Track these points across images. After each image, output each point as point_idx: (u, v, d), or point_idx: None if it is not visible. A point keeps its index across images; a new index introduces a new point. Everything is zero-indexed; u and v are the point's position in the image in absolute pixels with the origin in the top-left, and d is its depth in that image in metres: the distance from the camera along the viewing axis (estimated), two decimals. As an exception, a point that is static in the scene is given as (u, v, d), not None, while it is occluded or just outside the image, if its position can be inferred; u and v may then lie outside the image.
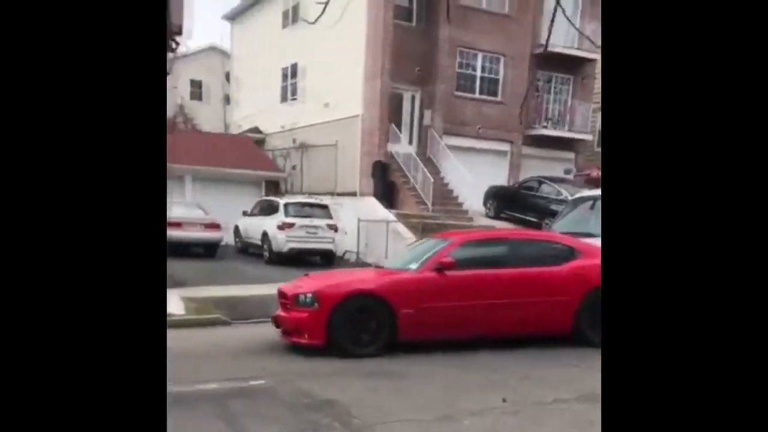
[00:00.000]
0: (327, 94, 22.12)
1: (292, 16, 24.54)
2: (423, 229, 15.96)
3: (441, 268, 7.51)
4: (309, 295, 7.24)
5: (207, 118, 34.20)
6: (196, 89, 38.45)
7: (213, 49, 38.94)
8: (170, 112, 33.35)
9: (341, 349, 7.02)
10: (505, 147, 22.95)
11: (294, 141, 24.06)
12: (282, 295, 7.76)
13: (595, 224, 11.33)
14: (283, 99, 25.57)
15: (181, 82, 37.81)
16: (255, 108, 27.03)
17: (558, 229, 12.12)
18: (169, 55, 11.95)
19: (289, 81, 25.39)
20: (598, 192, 12.39)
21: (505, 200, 20.40)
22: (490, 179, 21.52)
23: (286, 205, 15.79)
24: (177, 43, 10.44)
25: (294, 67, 24.81)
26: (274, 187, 21.11)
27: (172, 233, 14.84)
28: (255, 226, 16.00)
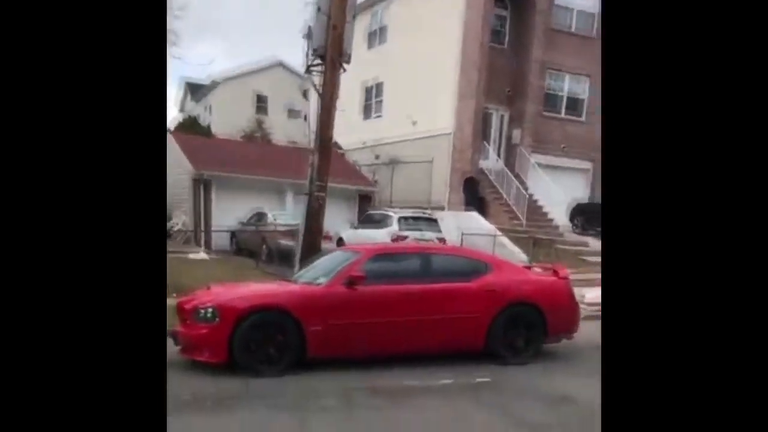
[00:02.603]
0: (414, 112, 22.77)
1: (379, 37, 25.33)
2: (534, 244, 16.46)
3: (351, 282, 7.07)
4: (209, 309, 6.61)
5: (278, 132, 35.19)
6: (262, 104, 39.64)
7: (280, 66, 40.12)
8: (247, 124, 34.36)
9: (244, 368, 6.51)
10: (587, 165, 23.36)
11: (377, 157, 24.73)
12: (180, 308, 7.07)
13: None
14: (366, 116, 26.30)
15: (248, 95, 39.22)
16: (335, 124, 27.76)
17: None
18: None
19: (374, 99, 26.12)
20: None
21: (591, 216, 20.80)
22: (573, 196, 21.96)
23: (400, 218, 16.38)
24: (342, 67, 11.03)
25: (379, 85, 25.54)
26: (367, 201, 21.77)
27: (285, 242, 15.54)
28: (363, 238, 16.61)
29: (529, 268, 9.33)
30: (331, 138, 11.34)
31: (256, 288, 7.84)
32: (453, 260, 8.10)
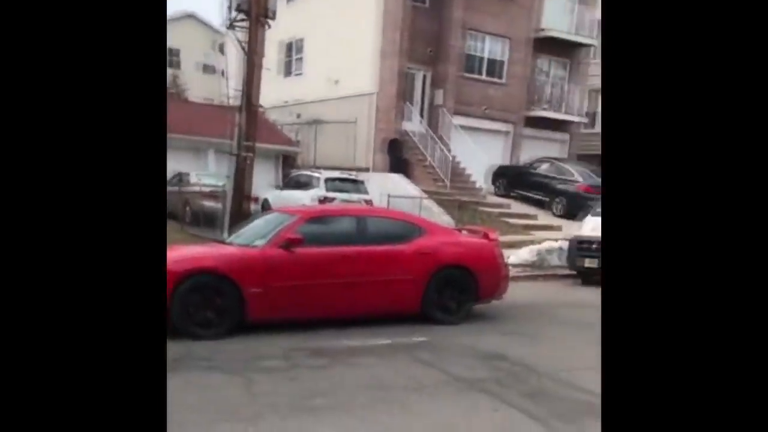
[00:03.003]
0: (336, 71, 22.56)
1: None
2: (459, 207, 16.83)
3: (288, 244, 7.13)
4: None
5: (192, 89, 34.09)
6: (174, 58, 38.17)
7: (192, 18, 38.64)
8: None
9: (183, 332, 6.50)
10: (507, 127, 23.90)
11: (298, 116, 24.43)
12: None
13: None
14: (287, 73, 25.81)
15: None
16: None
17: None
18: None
19: (294, 56, 25.65)
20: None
21: (513, 179, 21.44)
22: (493, 158, 22.50)
23: (326, 180, 16.33)
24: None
25: (299, 42, 25.07)
26: (289, 161, 21.53)
27: (210, 204, 15.25)
28: (289, 200, 16.49)
29: (459, 231, 9.58)
30: (257, 97, 11.15)
31: (192, 251, 7.75)
32: (388, 223, 8.20)
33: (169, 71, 35.62)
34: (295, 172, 18.96)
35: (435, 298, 7.78)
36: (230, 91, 29.46)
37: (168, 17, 36.89)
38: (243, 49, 10.88)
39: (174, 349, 6.08)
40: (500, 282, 8.39)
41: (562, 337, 7.64)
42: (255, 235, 7.69)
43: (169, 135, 13.96)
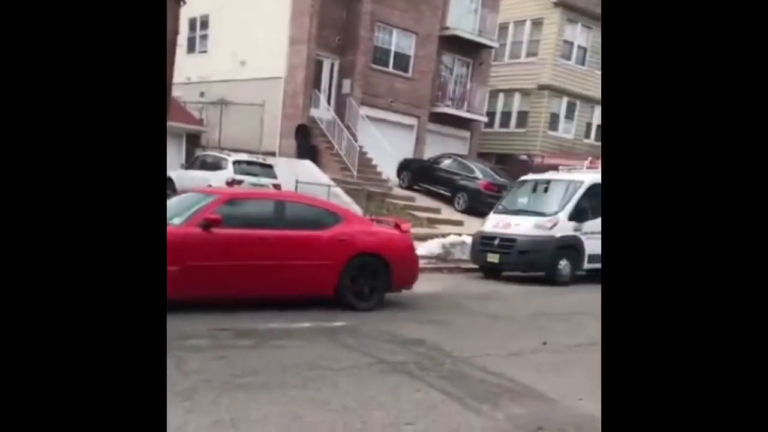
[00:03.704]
0: (243, 52, 22.27)
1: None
2: (367, 197, 17.12)
3: (207, 224, 7.16)
4: None
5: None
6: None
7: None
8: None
9: None
10: (412, 121, 24.47)
11: (201, 94, 23.91)
12: None
13: (532, 203, 13.23)
14: (190, 50, 25.15)
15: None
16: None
17: (505, 204, 13.89)
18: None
19: (198, 32, 25.03)
20: (539, 176, 14.30)
21: (418, 173, 22.03)
22: (399, 151, 23.00)
23: (235, 162, 16.16)
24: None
25: (205, 18, 24.49)
26: (194, 141, 21.06)
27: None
28: (196, 181, 16.20)
29: (372, 221, 9.88)
30: (172, 75, 10.92)
31: None
32: (306, 209, 8.38)
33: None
34: (201, 153, 18.61)
35: (350, 284, 8.02)
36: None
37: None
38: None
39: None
40: (412, 272, 8.74)
41: (470, 325, 8.11)
42: (172, 213, 7.57)
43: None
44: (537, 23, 27.36)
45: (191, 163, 18.27)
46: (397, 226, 8.97)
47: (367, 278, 8.19)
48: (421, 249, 13.71)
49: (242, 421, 4.17)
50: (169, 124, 18.70)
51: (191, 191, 9.09)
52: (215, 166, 16.61)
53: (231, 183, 15.36)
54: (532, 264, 12.48)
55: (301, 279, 7.76)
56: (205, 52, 24.78)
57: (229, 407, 4.40)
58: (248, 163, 16.52)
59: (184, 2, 10.70)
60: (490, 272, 12.84)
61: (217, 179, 15.63)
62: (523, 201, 13.67)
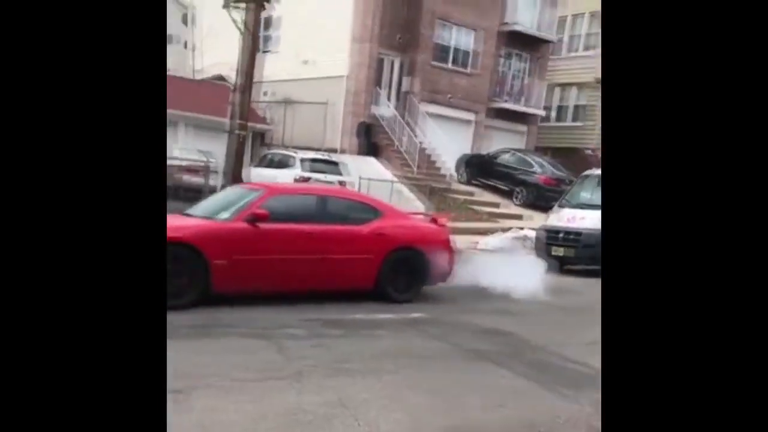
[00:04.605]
0: (307, 51, 22.81)
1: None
2: (430, 193, 17.46)
3: (254, 219, 7.35)
4: None
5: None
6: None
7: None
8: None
9: None
10: (471, 116, 24.66)
11: (266, 93, 24.57)
12: None
13: (597, 197, 13.32)
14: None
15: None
16: (221, 57, 27.10)
17: (569, 198, 14.02)
18: None
19: (262, 32, 25.69)
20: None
21: (477, 168, 22.25)
22: (457, 146, 23.25)
23: (302, 160, 16.69)
24: None
25: (269, 18, 25.13)
26: (259, 139, 21.75)
27: (190, 178, 15.46)
28: (264, 178, 16.80)
29: (412, 215, 9.98)
30: (253, 76, 11.48)
31: None
32: (347, 204, 8.57)
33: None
34: (269, 151, 19.23)
35: (389, 277, 8.19)
36: (201, 64, 29.36)
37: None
38: (239, 29, 11.16)
39: (197, 317, 6.56)
40: (448, 265, 8.78)
41: (544, 316, 8.38)
42: (218, 209, 7.89)
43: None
44: (595, 16, 27.14)
45: (259, 161, 18.90)
46: (434, 220, 9.22)
47: (405, 271, 8.36)
48: (484, 243, 14.02)
49: (349, 402, 4.56)
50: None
51: (237, 186, 9.36)
52: (283, 163, 17.17)
53: (299, 180, 15.89)
54: (597, 258, 12.58)
55: (343, 273, 7.96)
56: (268, 51, 25.41)
57: (335, 389, 4.80)
58: (315, 160, 17.02)
59: (264, 7, 11.18)
60: (554, 266, 12.99)
61: (285, 177, 16.17)
62: (587, 195, 13.74)
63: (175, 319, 6.30)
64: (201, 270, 6.93)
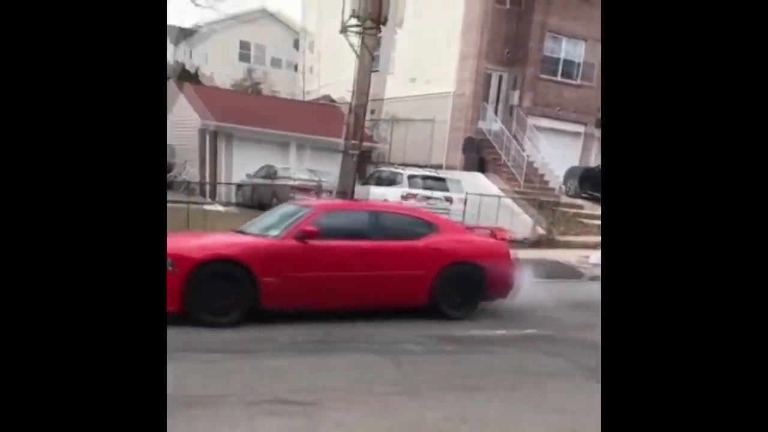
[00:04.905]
0: (413, 69, 23.09)
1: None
2: (539, 207, 17.22)
3: (304, 236, 7.32)
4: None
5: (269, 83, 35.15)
6: (245, 51, 39.42)
7: (268, 16, 39.77)
8: (239, 74, 34.36)
9: (195, 318, 6.64)
10: (579, 128, 24.07)
11: (372, 112, 25.05)
12: None
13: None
14: (363, 70, 26.45)
15: (231, 43, 39.00)
16: (330, 78, 27.95)
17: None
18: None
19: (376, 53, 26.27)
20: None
21: (585, 180, 21.64)
22: (564, 159, 22.74)
23: (410, 177, 16.93)
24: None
25: (378, 39, 25.66)
26: (366, 157, 22.20)
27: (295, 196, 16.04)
28: (373, 196, 17.13)
29: (470, 229, 9.82)
30: (368, 97, 11.76)
31: (212, 238, 8.09)
32: (400, 219, 8.47)
33: (244, 65, 36.86)
34: (376, 169, 19.61)
35: (443, 294, 7.93)
36: (303, 83, 30.45)
37: (245, 14, 38.34)
38: (356, 52, 11.52)
39: (313, 332, 6.80)
40: (508, 281, 8.42)
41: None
42: (270, 226, 7.94)
43: (259, 128, 14.65)
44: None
45: (366, 179, 19.29)
46: (493, 234, 8.94)
47: (460, 287, 8.08)
48: (595, 257, 13.62)
49: (470, 418, 4.59)
50: (349, 141, 20.01)
51: (290, 204, 9.46)
52: (390, 181, 17.44)
53: (406, 197, 16.09)
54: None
55: (395, 289, 7.78)
56: (376, 71, 25.93)
57: (455, 405, 4.85)
58: (423, 177, 17.20)
59: (381, 30, 11.49)
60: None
61: (392, 194, 16.43)
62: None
63: (295, 334, 6.63)
64: (249, 287, 6.91)
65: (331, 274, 7.43)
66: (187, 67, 35.05)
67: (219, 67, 35.33)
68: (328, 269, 7.43)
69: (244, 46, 39.46)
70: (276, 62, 39.48)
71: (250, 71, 35.41)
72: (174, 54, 41.66)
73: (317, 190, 15.53)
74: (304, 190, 15.79)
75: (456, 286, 8.03)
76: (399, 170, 17.78)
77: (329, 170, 19.09)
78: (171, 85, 24.52)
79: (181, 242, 7.13)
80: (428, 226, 8.33)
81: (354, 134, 11.46)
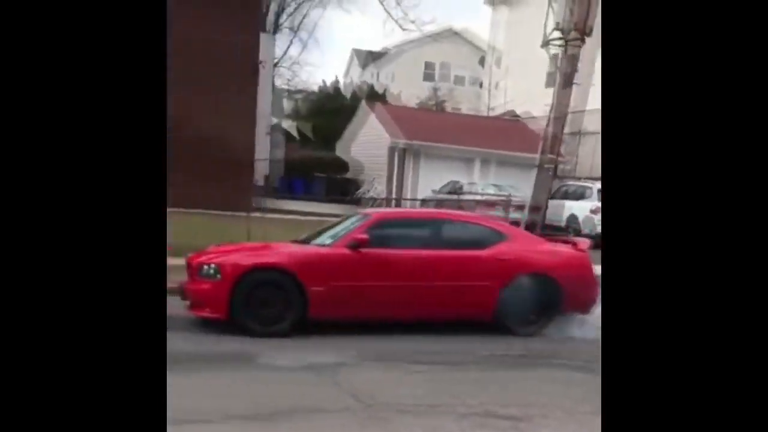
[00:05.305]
0: (598, 80, 22.35)
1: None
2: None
3: (355, 245, 6.98)
4: (212, 266, 6.74)
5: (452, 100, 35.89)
6: (430, 71, 40.51)
7: (449, 32, 40.66)
8: (424, 93, 35.46)
9: (243, 327, 6.53)
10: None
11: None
12: (189, 264, 7.12)
13: None
14: (548, 84, 26.13)
15: (417, 63, 40.30)
16: (515, 93, 27.90)
17: None
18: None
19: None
20: None
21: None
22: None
23: (600, 190, 16.46)
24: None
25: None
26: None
27: (488, 212, 16.17)
28: (559, 209, 16.87)
29: (550, 240, 8.91)
30: (567, 112, 11.67)
31: (262, 247, 7.91)
32: (464, 228, 8.02)
33: (429, 84, 37.97)
34: (564, 183, 19.27)
35: (510, 307, 7.26)
36: (489, 100, 30.70)
37: (432, 34, 39.62)
38: (555, 65, 11.55)
39: (512, 346, 6.85)
40: (588, 295, 7.45)
41: None
42: (331, 235, 7.72)
43: (443, 145, 14.96)
44: None
45: (554, 193, 19.00)
46: (573, 245, 8.12)
47: (530, 301, 7.34)
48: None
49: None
50: (533, 156, 19.92)
51: (356, 214, 8.92)
52: (579, 194, 17.04)
53: (595, 210, 15.64)
54: None
55: (455, 301, 7.22)
56: (577, 83, 25.47)
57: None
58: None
59: (584, 41, 11.38)
60: None
61: (580, 208, 16.06)
62: None
63: (495, 347, 6.71)
64: (297, 296, 6.73)
65: (383, 283, 7.06)
66: (376, 88, 36.81)
67: (404, 86, 36.74)
68: (380, 278, 7.07)
69: (429, 66, 40.69)
70: (459, 80, 40.23)
71: (435, 89, 36.33)
72: (361, 75, 44.06)
73: (506, 204, 15.49)
74: (491, 204, 15.89)
75: (525, 300, 7.30)
76: (588, 184, 17.30)
77: (513, 184, 19.13)
78: (362, 106, 25.99)
79: (231, 250, 7.31)
80: (497, 234, 7.77)
81: (551, 148, 11.36)
